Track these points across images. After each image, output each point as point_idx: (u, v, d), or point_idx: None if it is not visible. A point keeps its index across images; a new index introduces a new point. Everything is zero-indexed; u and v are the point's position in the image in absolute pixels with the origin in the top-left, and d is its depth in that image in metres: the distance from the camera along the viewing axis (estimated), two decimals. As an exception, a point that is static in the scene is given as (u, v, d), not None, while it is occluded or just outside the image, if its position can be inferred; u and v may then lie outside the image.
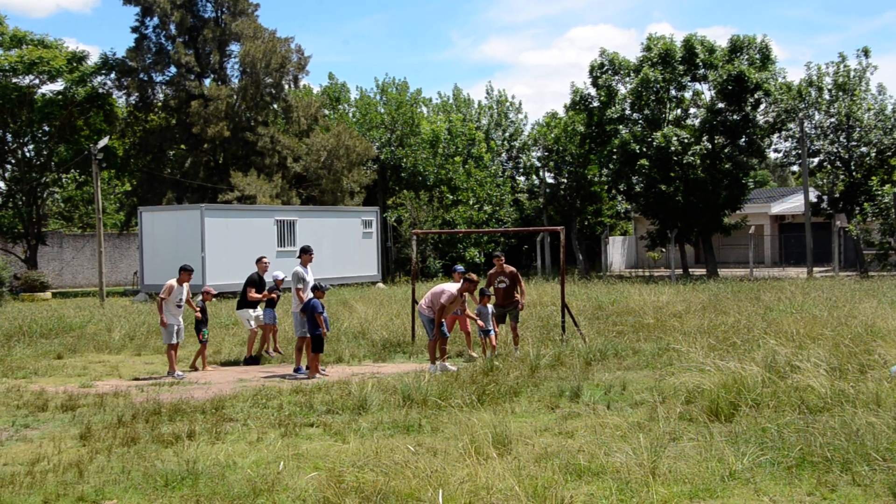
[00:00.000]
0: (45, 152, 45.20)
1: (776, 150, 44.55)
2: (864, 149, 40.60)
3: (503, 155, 53.63)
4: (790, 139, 42.70)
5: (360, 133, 45.19)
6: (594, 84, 42.83)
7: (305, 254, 15.24)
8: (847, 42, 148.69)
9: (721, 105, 39.91)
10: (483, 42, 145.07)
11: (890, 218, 36.57)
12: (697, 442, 8.40)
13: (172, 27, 42.97)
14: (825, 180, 42.87)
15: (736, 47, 40.58)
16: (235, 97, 42.54)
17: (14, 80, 41.79)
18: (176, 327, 14.77)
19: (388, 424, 9.79)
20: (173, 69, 43.44)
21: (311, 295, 14.30)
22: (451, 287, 14.64)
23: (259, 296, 16.04)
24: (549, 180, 50.52)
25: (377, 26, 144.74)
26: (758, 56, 40.36)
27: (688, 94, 42.69)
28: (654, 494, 6.96)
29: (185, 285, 15.09)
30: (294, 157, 42.34)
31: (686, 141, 39.13)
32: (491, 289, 15.86)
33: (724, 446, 8.10)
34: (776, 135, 42.59)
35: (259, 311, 16.27)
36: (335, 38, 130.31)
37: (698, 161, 39.24)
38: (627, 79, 42.22)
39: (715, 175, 39.64)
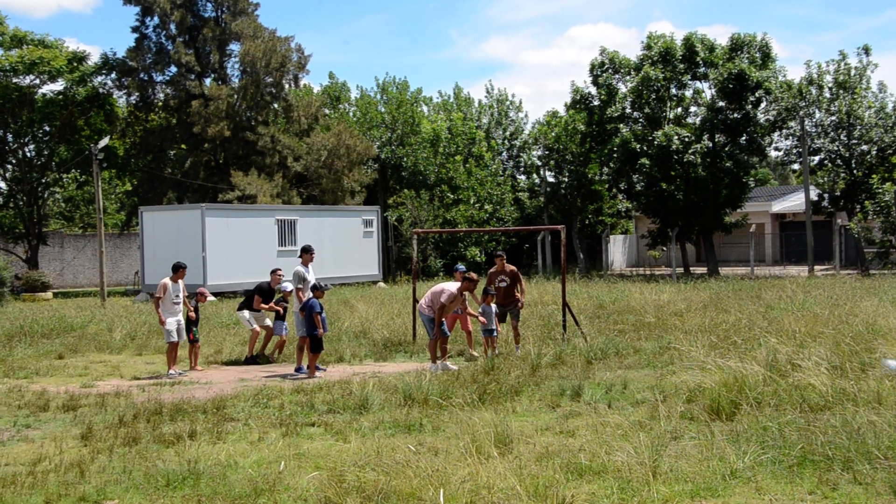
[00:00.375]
0: (45, 152, 45.21)
1: (777, 149, 44.52)
2: (864, 147, 40.57)
3: (504, 154, 53.63)
4: (791, 137, 42.67)
5: (360, 132, 45.19)
6: (594, 83, 42.81)
7: (306, 253, 15.28)
8: (847, 40, 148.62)
9: (722, 103, 39.88)
10: (483, 41, 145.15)
11: (891, 216, 36.55)
12: (699, 441, 8.40)
13: (173, 27, 42.98)
14: (826, 178, 42.83)
15: (736, 46, 40.56)
16: (236, 97, 42.54)
17: (15, 81, 41.80)
18: (176, 325, 14.78)
19: (390, 424, 9.79)
20: (173, 69, 43.46)
21: (310, 294, 14.32)
22: (451, 286, 14.64)
23: (265, 306, 16.02)
24: (550, 179, 50.50)
25: (377, 25, 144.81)
26: (758, 54, 40.34)
27: (688, 93, 42.67)
28: (656, 493, 6.96)
29: (181, 282, 15.10)
30: (294, 157, 42.34)
31: (687, 139, 39.11)
32: (492, 287, 15.85)
33: (725, 445, 8.10)
34: (777, 133, 42.56)
35: (260, 314, 16.29)
36: (335, 37, 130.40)
37: (699, 160, 39.23)
38: (628, 77, 42.21)
39: (716, 173, 39.62)
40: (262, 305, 16.05)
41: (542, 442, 8.70)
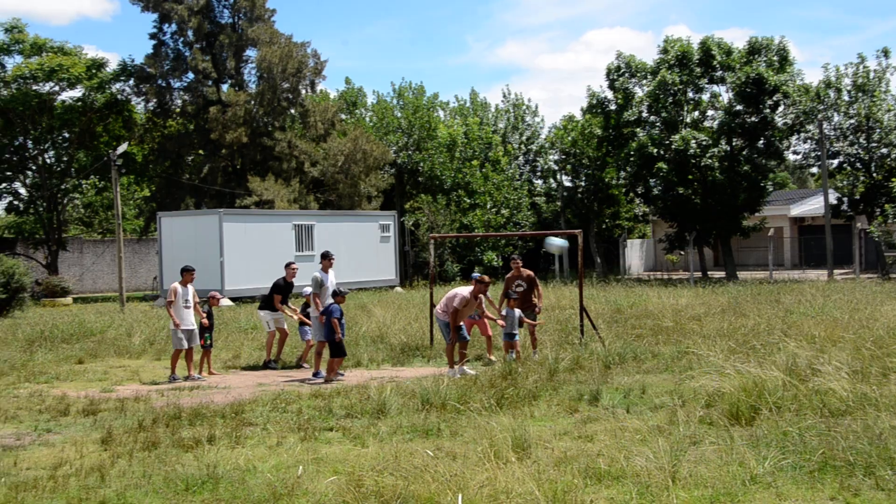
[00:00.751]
0: (65, 159, 45.52)
1: (795, 152, 44.33)
2: (884, 150, 40.32)
3: (520, 158, 53.59)
4: (809, 141, 42.46)
5: (376, 137, 45.27)
6: (611, 87, 42.74)
7: (325, 259, 15.26)
8: (866, 43, 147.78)
9: (739, 107, 39.72)
10: (499, 46, 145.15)
11: (911, 219, 36.31)
12: (718, 446, 8.36)
13: (190, 33, 43.23)
14: (845, 182, 42.58)
15: (754, 49, 40.39)
16: (253, 102, 42.71)
17: (34, 88, 42.13)
18: (188, 330, 14.83)
19: (408, 428, 9.79)
20: (191, 75, 43.71)
21: (331, 300, 14.33)
22: (465, 291, 14.67)
23: (285, 308, 15.99)
24: (567, 183, 50.43)
25: (393, 31, 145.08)
26: (776, 58, 40.14)
27: (705, 97, 42.54)
28: (675, 498, 6.92)
29: (190, 286, 15.16)
30: (311, 162, 42.47)
31: (704, 143, 38.97)
32: (513, 291, 15.80)
33: (744, 450, 8.06)
34: (795, 137, 42.35)
35: (278, 314, 16.29)
36: (352, 42, 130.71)
37: (716, 163, 39.07)
38: (644, 81, 42.10)
39: (733, 177, 39.45)
40: (280, 306, 16.08)
41: (560, 447, 8.67)
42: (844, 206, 42.03)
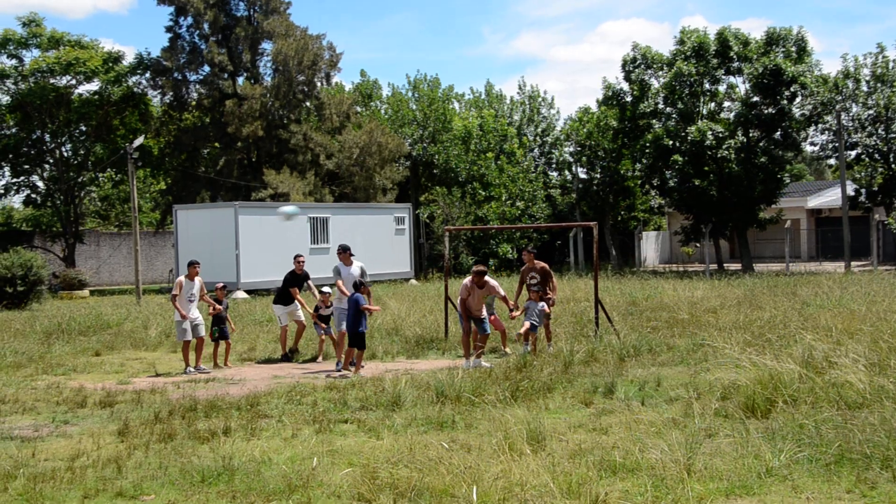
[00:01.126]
0: (81, 152, 45.77)
1: (812, 144, 44.07)
2: (902, 141, 40.04)
3: (535, 150, 53.49)
4: (827, 132, 42.18)
5: (392, 130, 45.28)
6: (626, 78, 42.58)
7: (342, 253, 15.16)
8: (886, 32, 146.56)
9: (756, 98, 39.49)
10: (514, 37, 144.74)
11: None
12: (733, 438, 8.33)
13: (206, 26, 43.34)
14: (863, 173, 42.30)
15: (771, 40, 40.12)
16: (268, 95, 42.80)
17: (52, 81, 42.36)
18: (191, 323, 14.91)
19: (422, 421, 9.80)
20: (207, 68, 43.83)
21: (353, 290, 14.29)
22: (467, 280, 14.78)
23: (313, 311, 16.03)
24: (582, 175, 50.31)
25: (408, 23, 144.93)
26: (794, 48, 39.86)
27: (722, 88, 42.29)
28: (690, 491, 6.91)
29: (197, 280, 15.23)
30: (327, 155, 42.54)
31: (720, 135, 38.78)
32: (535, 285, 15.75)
33: (760, 443, 8.03)
34: (812, 128, 42.09)
35: (292, 308, 16.31)
36: (367, 35, 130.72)
37: (733, 155, 38.88)
38: (660, 73, 41.91)
39: (750, 169, 39.24)
40: (299, 298, 16.15)
41: (574, 439, 8.67)
42: (862, 198, 41.76)
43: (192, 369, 14.70)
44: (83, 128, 44.95)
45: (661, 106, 41.84)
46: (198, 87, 44.90)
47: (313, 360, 15.96)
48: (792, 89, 38.83)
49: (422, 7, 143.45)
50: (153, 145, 46.13)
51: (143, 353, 17.27)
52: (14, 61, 42.92)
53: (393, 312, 20.90)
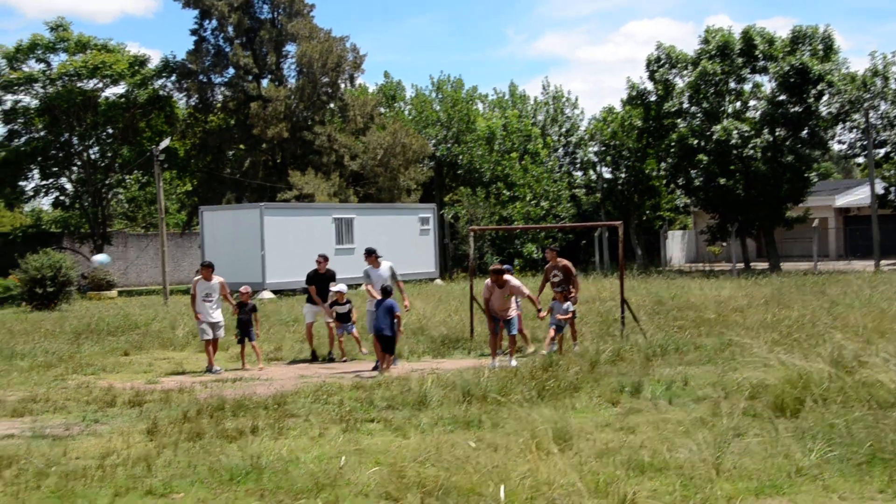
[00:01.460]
0: (109, 154, 46.17)
1: (840, 142, 43.62)
2: (932, 139, 39.58)
3: (560, 150, 53.36)
4: (855, 130, 41.76)
5: (416, 131, 45.32)
6: (651, 78, 42.38)
7: (369, 256, 15.19)
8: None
9: (782, 97, 39.19)
10: (538, 38, 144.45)
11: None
12: (762, 438, 8.27)
13: (230, 29, 43.59)
14: (892, 171, 41.83)
15: (797, 38, 39.77)
16: (293, 97, 42.97)
17: (79, 85, 42.78)
18: (209, 323, 15.07)
19: (449, 420, 9.80)
20: (231, 71, 44.09)
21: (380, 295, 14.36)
22: (489, 280, 14.79)
23: (328, 309, 16.05)
24: (607, 175, 50.15)
25: (432, 24, 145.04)
26: (820, 47, 39.49)
27: (747, 87, 41.99)
28: (719, 490, 6.87)
29: (215, 280, 15.32)
30: (351, 156, 42.65)
31: (746, 134, 38.52)
32: (562, 285, 15.69)
33: (790, 442, 7.96)
34: (840, 126, 41.68)
35: (318, 308, 16.33)
36: (391, 36, 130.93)
37: (759, 154, 38.61)
38: (685, 72, 41.67)
39: (776, 168, 38.95)
40: (317, 298, 16.19)
41: (602, 438, 8.64)
42: (891, 196, 41.30)
43: (218, 368, 14.79)
44: (110, 130, 45.36)
45: (685, 105, 41.61)
46: (223, 89, 45.19)
47: (331, 359, 15.90)
48: (819, 88, 38.48)
49: (445, 8, 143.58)
50: (179, 147, 46.47)
51: (170, 352, 17.39)
52: (42, 65, 43.38)
53: (418, 312, 20.92)
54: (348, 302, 16.04)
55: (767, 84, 41.07)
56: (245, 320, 15.43)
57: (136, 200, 55.61)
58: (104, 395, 12.29)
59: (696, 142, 39.24)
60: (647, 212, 51.18)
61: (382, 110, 49.11)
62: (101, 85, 43.78)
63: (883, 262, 39.74)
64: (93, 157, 46.02)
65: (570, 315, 15.14)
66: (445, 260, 44.21)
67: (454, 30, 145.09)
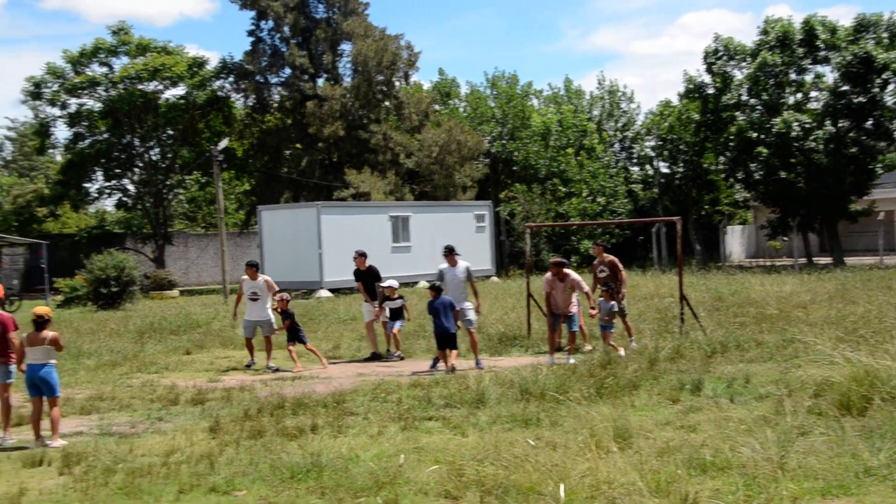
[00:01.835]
0: (169, 155, 47.00)
1: (906, 133, 42.45)
2: None
3: (616, 145, 52.91)
4: (922, 120, 40.63)
5: (470, 127, 45.31)
6: (709, 70, 41.77)
7: (448, 254, 15.02)
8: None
9: (845, 87, 38.32)
10: (593, 32, 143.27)
11: None
12: (828, 437, 8.11)
13: (286, 29, 44.05)
14: (961, 162, 40.67)
15: (861, 27, 38.83)
16: (348, 96, 43.25)
17: (140, 87, 43.62)
18: (251, 321, 15.36)
19: (507, 418, 9.78)
20: (288, 70, 44.54)
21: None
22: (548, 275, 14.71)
23: (376, 307, 16.11)
24: (664, 170, 49.58)
25: (486, 20, 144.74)
26: (885, 35, 38.51)
27: (808, 78, 41.14)
28: (784, 490, 6.75)
29: (260, 279, 15.52)
30: (406, 154, 42.80)
31: (807, 126, 37.77)
32: (612, 283, 15.56)
33: (857, 441, 7.80)
34: (907, 116, 40.59)
35: (373, 305, 16.35)
36: (445, 33, 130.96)
37: (821, 146, 37.83)
38: (744, 64, 40.99)
39: (839, 160, 38.11)
40: (364, 294, 16.35)
41: (662, 437, 8.55)
42: (961, 188, 40.15)
43: (272, 366, 14.99)
44: (170, 132, 46.19)
45: (744, 98, 40.93)
46: (279, 89, 45.68)
47: (375, 357, 15.88)
48: (884, 77, 37.53)
49: (499, 4, 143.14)
50: (237, 147, 47.12)
51: (231, 351, 17.63)
52: (105, 69, 44.34)
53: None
54: (400, 297, 16.08)
55: (829, 74, 40.22)
56: (290, 326, 15.46)
57: (196, 201, 56.52)
58: (167, 393, 12.52)
59: (755, 135, 38.61)
60: (706, 206, 50.48)
61: (437, 108, 49.20)
62: (161, 87, 44.60)
63: (952, 255, 38.66)
64: (154, 158, 46.89)
65: (614, 315, 14.98)
66: (501, 257, 44.13)
67: (508, 25, 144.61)
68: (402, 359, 15.79)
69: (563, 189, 44.85)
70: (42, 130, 46.32)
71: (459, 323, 14.44)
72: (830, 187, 38.42)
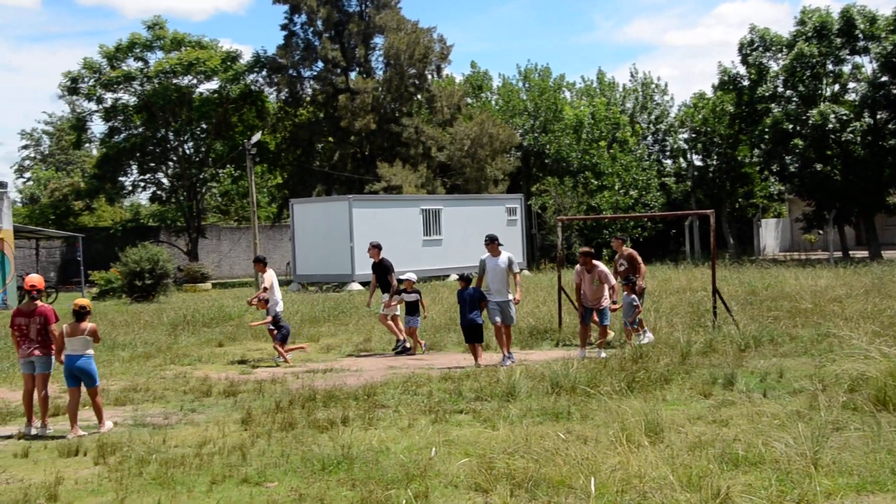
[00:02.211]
0: (202, 149, 47.41)
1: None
2: None
3: (649, 138, 52.57)
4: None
5: (502, 120, 45.23)
6: (744, 62, 41.40)
7: (490, 243, 14.75)
8: None
9: (884, 78, 37.80)
10: (626, 23, 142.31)
11: None
12: (864, 432, 8.00)
13: (319, 23, 44.19)
14: None
15: (902, 16, 38.26)
16: (380, 89, 43.32)
17: (174, 81, 43.99)
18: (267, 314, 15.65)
19: (537, 411, 9.76)
20: (320, 64, 44.72)
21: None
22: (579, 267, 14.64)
23: (387, 300, 16.17)
24: (697, 163, 49.21)
25: (518, 12, 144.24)
26: (927, 23, 37.91)
27: (846, 69, 40.61)
28: (818, 486, 6.66)
29: (263, 275, 15.70)
30: (438, 147, 42.81)
31: (844, 118, 37.28)
32: (634, 276, 15.48)
33: (893, 437, 7.69)
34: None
35: (399, 297, 16.32)
36: (477, 26, 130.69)
37: (858, 138, 37.33)
38: (780, 55, 40.57)
39: (877, 152, 37.60)
40: (372, 288, 16.69)
41: (694, 431, 8.48)
42: None
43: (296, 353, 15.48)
44: (204, 126, 46.57)
45: (780, 89, 40.52)
46: (312, 82, 45.88)
47: (404, 350, 15.84)
48: (924, 67, 36.95)
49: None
50: (270, 141, 47.40)
51: (262, 343, 17.73)
52: (140, 64, 44.76)
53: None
54: (416, 291, 16.02)
55: (868, 65, 39.70)
56: (274, 322, 15.51)
57: (229, 194, 56.97)
58: (200, 385, 12.63)
59: (791, 127, 38.20)
60: (740, 200, 50.07)
61: (469, 101, 49.15)
62: (195, 81, 44.97)
63: None
64: (187, 152, 47.33)
65: (639, 309, 14.88)
66: (533, 250, 44.05)
67: (541, 17, 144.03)
68: (413, 352, 15.74)
69: (595, 182, 44.65)
70: (78, 125, 46.95)
71: (498, 318, 14.08)
72: (868, 180, 37.92)
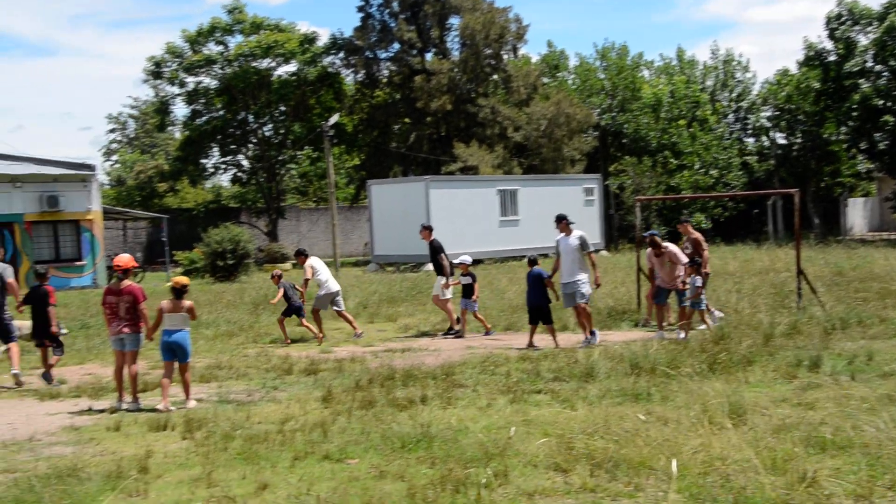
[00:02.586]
0: (281, 131, 48.06)
1: None
2: None
3: (730, 116, 51.37)
4: None
5: (579, 100, 44.76)
6: (831, 37, 40.17)
7: (560, 222, 14.57)
8: None
9: (980, 50, 36.32)
10: (706, 0, 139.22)
11: None
12: (957, 417, 7.74)
13: (395, 4, 44.31)
14: None
15: None
16: (456, 70, 43.26)
17: (253, 65, 44.65)
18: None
19: (617, 392, 9.68)
20: (396, 46, 44.84)
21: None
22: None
23: (443, 283, 16.18)
24: (781, 141, 47.96)
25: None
26: None
27: (941, 41, 39.08)
28: (910, 472, 6.48)
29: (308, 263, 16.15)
30: (514, 127, 42.60)
31: (937, 92, 35.95)
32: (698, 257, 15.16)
33: None
34: None
35: (443, 280, 16.28)
36: (553, 5, 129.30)
37: (952, 114, 35.98)
38: (869, 28, 39.23)
39: (972, 128, 36.20)
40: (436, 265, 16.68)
41: (778, 414, 8.31)
42: None
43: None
44: (282, 108, 47.19)
45: (869, 64, 39.24)
46: (388, 64, 46.05)
47: (454, 333, 15.75)
48: None
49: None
50: (347, 123, 47.78)
51: (342, 323, 17.92)
52: (220, 47, 45.55)
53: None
54: (470, 275, 15.95)
55: (962, 38, 38.14)
56: (289, 306, 16.08)
57: (308, 175, 57.66)
58: (282, 363, 12.86)
59: (881, 102, 37.02)
60: (826, 178, 48.65)
61: (546, 80, 48.73)
62: (273, 64, 45.56)
63: None
64: (266, 134, 48.03)
65: (700, 290, 14.54)
66: (611, 231, 43.59)
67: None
68: (462, 335, 15.69)
69: (675, 161, 43.91)
70: (162, 108, 48.03)
71: (560, 296, 13.99)
72: (962, 157, 36.56)
